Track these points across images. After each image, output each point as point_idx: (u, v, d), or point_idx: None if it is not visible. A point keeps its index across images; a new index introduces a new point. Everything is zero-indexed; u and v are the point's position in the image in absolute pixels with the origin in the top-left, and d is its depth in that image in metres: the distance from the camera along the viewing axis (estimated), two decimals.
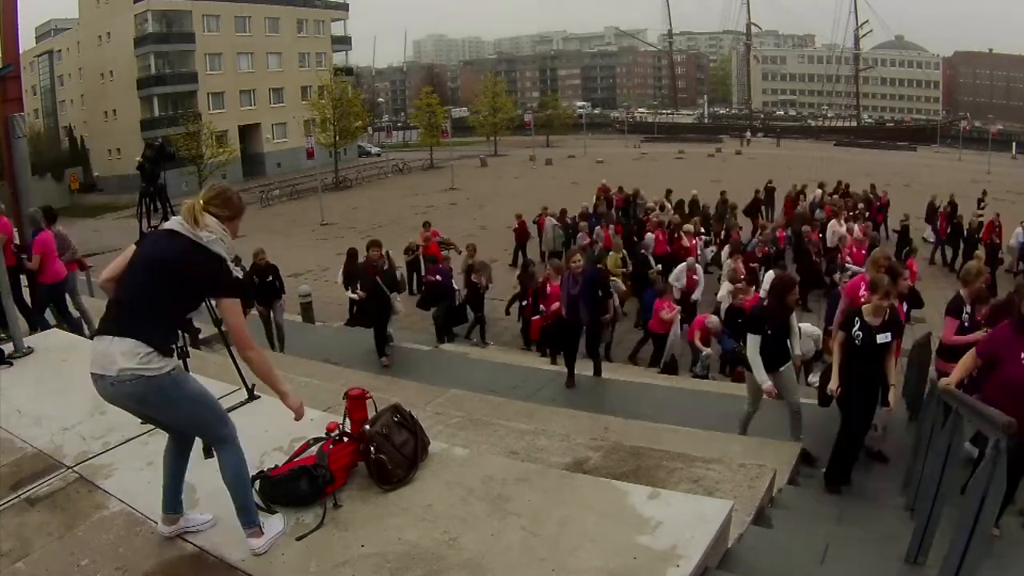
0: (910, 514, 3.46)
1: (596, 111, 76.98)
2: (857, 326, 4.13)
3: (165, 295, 2.26)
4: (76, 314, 6.52)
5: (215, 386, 3.61)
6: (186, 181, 32.75)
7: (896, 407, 4.32)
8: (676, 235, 12.22)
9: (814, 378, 6.68)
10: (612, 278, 8.51)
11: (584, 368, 7.37)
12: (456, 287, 9.87)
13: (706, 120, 69.99)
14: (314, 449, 2.82)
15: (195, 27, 40.63)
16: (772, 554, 2.85)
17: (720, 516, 2.51)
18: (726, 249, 11.19)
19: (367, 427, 2.81)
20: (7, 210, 6.56)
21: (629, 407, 5.76)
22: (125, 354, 2.14)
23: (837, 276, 9.46)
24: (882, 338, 4.10)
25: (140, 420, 3.22)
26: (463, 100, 79.68)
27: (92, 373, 2.20)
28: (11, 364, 4.25)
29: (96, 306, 8.42)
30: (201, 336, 7.07)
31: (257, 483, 2.65)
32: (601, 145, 47.75)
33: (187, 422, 2.38)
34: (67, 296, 6.40)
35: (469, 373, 7.30)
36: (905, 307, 5.53)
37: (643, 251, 11.66)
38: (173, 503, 2.47)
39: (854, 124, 63.00)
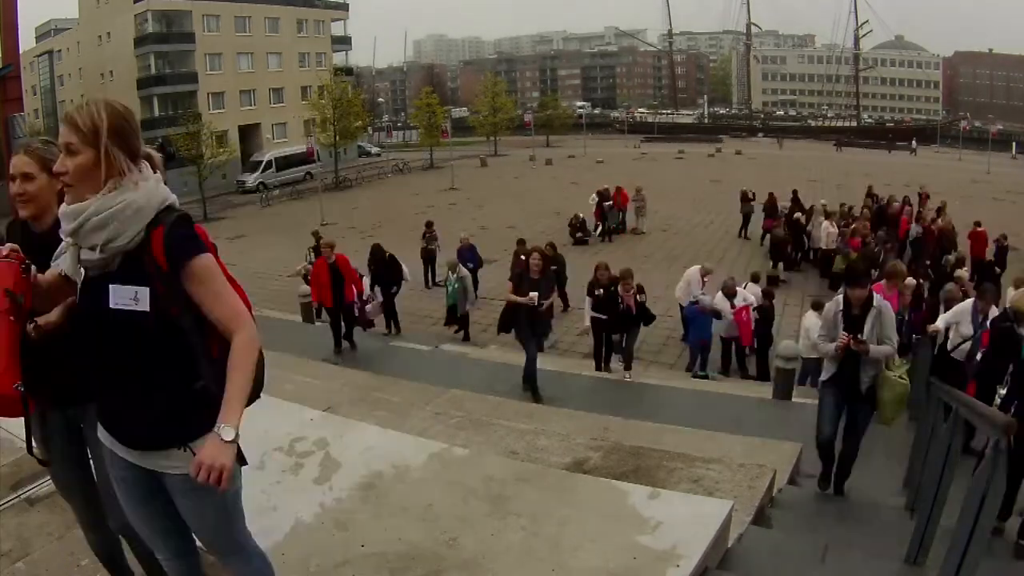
0: (910, 514, 3.46)
1: (596, 111, 77.00)
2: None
3: None
4: None
5: None
6: (186, 181, 32.80)
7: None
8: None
9: None
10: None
11: (584, 367, 7.37)
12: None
13: (706, 120, 69.99)
14: None
15: (195, 27, 40.60)
16: (772, 554, 2.86)
17: (720, 516, 2.51)
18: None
19: None
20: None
21: (629, 407, 5.77)
22: None
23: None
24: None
25: None
26: (463, 100, 79.69)
27: None
28: None
29: None
30: None
31: None
32: (601, 145, 47.74)
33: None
34: None
35: (469, 373, 7.31)
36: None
37: None
38: None
39: (854, 124, 63.05)
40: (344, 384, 5.34)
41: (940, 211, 15.38)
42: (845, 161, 39.23)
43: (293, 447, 3.06)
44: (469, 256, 13.25)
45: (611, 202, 19.13)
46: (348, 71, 49.93)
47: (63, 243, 1.62)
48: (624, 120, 64.60)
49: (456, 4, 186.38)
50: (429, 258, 14.66)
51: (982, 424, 2.57)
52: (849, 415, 4.02)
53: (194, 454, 1.48)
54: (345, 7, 50.42)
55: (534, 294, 6.71)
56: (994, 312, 5.03)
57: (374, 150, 52.36)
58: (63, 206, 1.54)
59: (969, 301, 5.57)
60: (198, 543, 1.83)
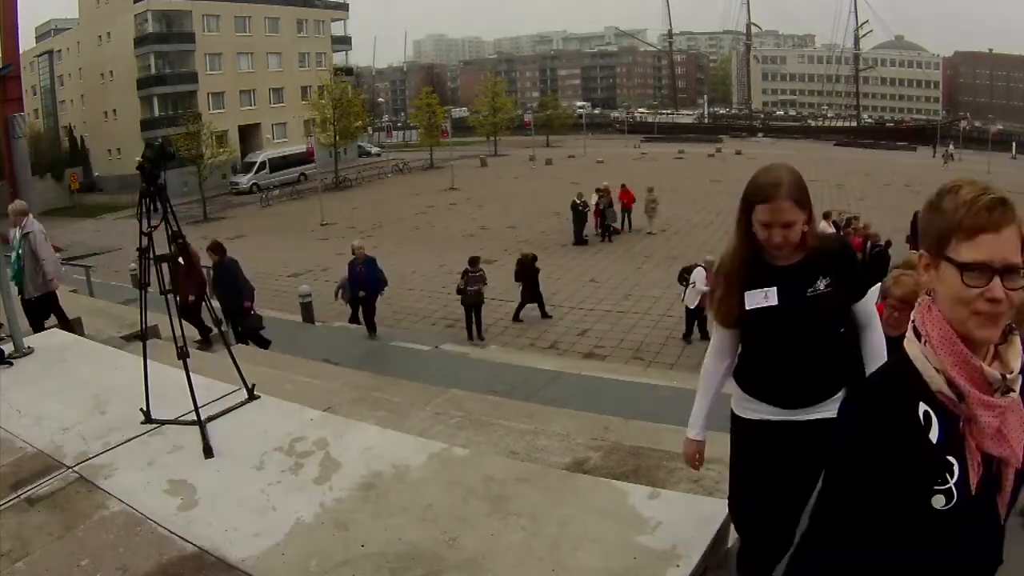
0: None
1: (596, 111, 77.02)
2: None
3: None
4: None
5: (215, 386, 3.62)
6: (186, 181, 32.81)
7: None
8: None
9: None
10: None
11: (584, 369, 7.37)
12: None
13: (706, 120, 69.99)
14: None
15: (195, 27, 40.63)
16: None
17: (720, 516, 2.51)
18: None
19: None
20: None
21: (629, 407, 5.76)
22: None
23: None
24: None
25: (140, 419, 3.23)
26: (463, 100, 79.70)
27: None
28: (11, 364, 4.25)
29: (98, 306, 8.43)
30: (199, 337, 7.08)
31: None
32: (601, 145, 47.76)
33: None
34: None
35: (469, 373, 7.31)
36: None
37: None
38: None
39: (854, 124, 63.03)
40: (344, 384, 5.33)
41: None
42: (845, 161, 39.24)
43: (293, 447, 3.06)
44: (367, 276, 10.20)
45: (607, 200, 19.11)
46: (348, 71, 49.96)
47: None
48: (624, 120, 64.62)
49: (456, 4, 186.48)
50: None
51: None
52: None
53: None
54: (345, 7, 50.46)
55: None
56: None
57: (374, 150, 52.39)
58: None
59: None
60: None
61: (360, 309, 10.57)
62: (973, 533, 1.07)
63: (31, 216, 6.07)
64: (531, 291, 11.79)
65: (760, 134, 59.04)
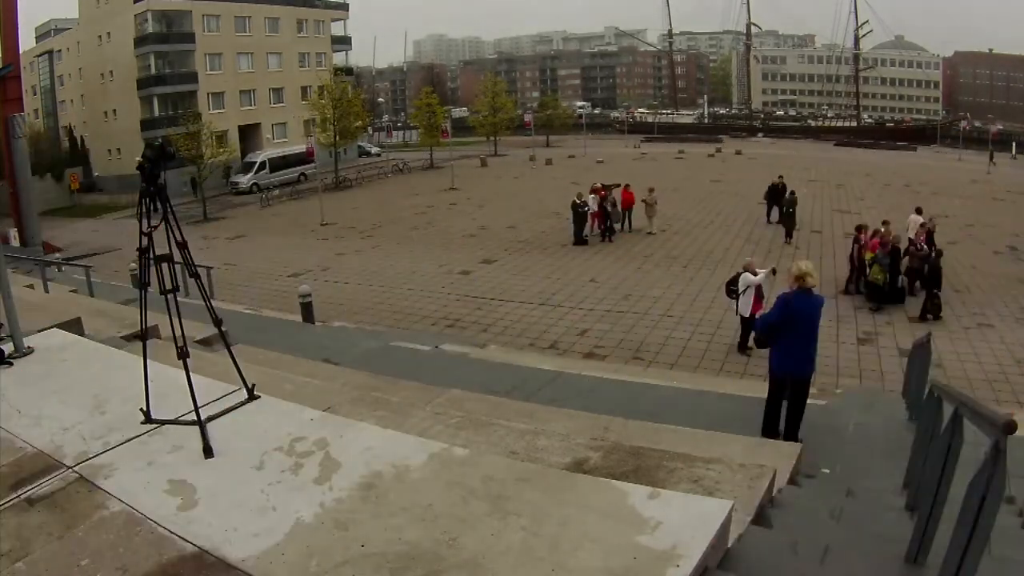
0: (910, 514, 3.46)
1: (596, 111, 77.12)
2: None
3: None
4: None
5: (215, 386, 3.62)
6: (186, 181, 32.82)
7: None
8: None
9: None
10: None
11: (583, 369, 7.36)
12: None
13: (706, 120, 70.00)
14: None
15: (195, 27, 40.61)
16: (772, 554, 2.85)
17: (720, 516, 2.51)
18: None
19: None
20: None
21: (629, 407, 5.77)
22: None
23: None
24: None
25: (140, 419, 3.23)
26: (463, 100, 79.78)
27: None
28: (11, 364, 4.25)
29: (98, 306, 8.42)
30: (201, 337, 7.07)
31: None
32: (601, 145, 47.80)
33: None
34: None
35: (469, 373, 7.31)
36: None
37: None
38: None
39: (854, 124, 63.02)
40: (344, 384, 5.33)
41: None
42: (845, 161, 39.24)
43: (293, 447, 3.06)
44: None
45: (611, 201, 19.13)
46: (348, 71, 49.96)
47: None
48: (624, 120, 64.61)
49: (456, 4, 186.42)
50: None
51: (982, 424, 2.57)
52: None
53: None
54: (345, 7, 50.44)
55: None
56: None
57: (374, 150, 52.40)
58: None
59: None
60: None
61: None
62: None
63: None
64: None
65: (760, 134, 59.02)
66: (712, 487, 3.23)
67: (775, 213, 20.00)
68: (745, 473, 3.39)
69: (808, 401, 5.45)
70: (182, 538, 2.50)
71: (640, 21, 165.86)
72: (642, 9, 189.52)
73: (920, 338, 6.21)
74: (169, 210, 3.14)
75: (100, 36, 41.63)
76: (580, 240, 18.31)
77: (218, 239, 23.85)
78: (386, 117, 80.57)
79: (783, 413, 5.39)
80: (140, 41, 39.55)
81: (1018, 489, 4.00)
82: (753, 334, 8.89)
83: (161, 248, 3.15)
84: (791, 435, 5.24)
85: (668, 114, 70.44)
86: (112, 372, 4.01)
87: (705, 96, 79.49)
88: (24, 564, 2.39)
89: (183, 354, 3.16)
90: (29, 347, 4.48)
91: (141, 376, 3.32)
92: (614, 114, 73.66)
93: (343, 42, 50.88)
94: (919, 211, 15.59)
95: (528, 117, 48.46)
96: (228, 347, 3.67)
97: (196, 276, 3.37)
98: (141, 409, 3.30)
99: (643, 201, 19.42)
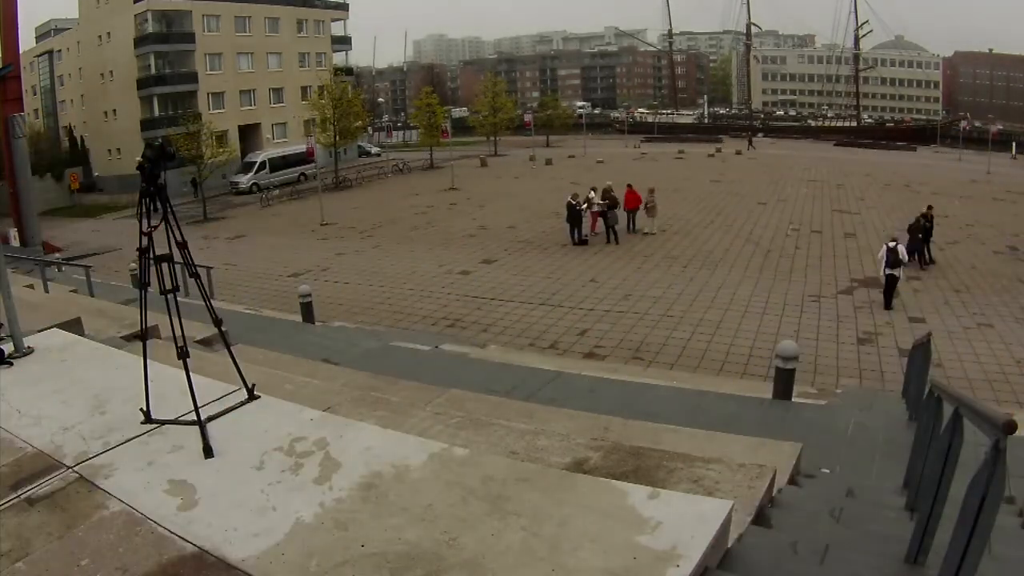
0: (910, 514, 3.46)
1: (596, 111, 77.14)
2: None
3: None
4: None
5: (215, 386, 3.62)
6: (186, 181, 32.82)
7: None
8: None
9: None
10: None
11: (583, 369, 7.37)
12: None
13: (706, 120, 70.04)
14: None
15: (195, 27, 40.60)
16: (772, 554, 2.85)
17: (720, 516, 2.51)
18: None
19: None
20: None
21: (629, 407, 5.77)
22: None
23: None
24: None
25: (140, 419, 3.23)
26: (463, 100, 79.80)
27: None
28: (11, 364, 4.25)
29: (98, 306, 8.41)
30: (201, 336, 7.07)
31: None
32: (601, 145, 47.82)
33: None
34: None
35: (469, 373, 7.31)
36: None
37: None
38: None
39: (854, 124, 63.05)
40: (344, 384, 5.33)
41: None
42: (845, 161, 39.25)
43: (293, 447, 3.06)
44: None
45: (613, 202, 19.10)
46: (348, 71, 49.97)
47: None
48: (624, 120, 64.64)
49: (456, 4, 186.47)
50: None
51: (981, 424, 2.57)
52: None
53: None
54: (345, 7, 50.43)
55: None
56: None
57: (374, 150, 52.40)
58: None
59: None
60: None
61: None
62: None
63: None
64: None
65: (760, 134, 59.02)
66: (712, 487, 3.23)
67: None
68: (745, 473, 3.39)
69: (808, 401, 5.46)
70: (182, 538, 2.50)
71: (640, 21, 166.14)
72: (642, 9, 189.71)
73: (920, 338, 6.22)
74: (169, 210, 3.14)
75: (100, 36, 41.62)
76: (579, 240, 18.31)
77: (218, 239, 23.86)
78: (386, 117, 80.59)
79: None
80: (140, 41, 39.53)
81: (1018, 489, 4.00)
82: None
83: (161, 248, 3.15)
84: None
85: (668, 114, 70.48)
86: (112, 372, 4.01)
87: (705, 96, 79.56)
88: (24, 564, 2.39)
89: (183, 354, 3.16)
90: (29, 347, 4.48)
91: (141, 376, 3.32)
92: (614, 114, 73.69)
93: (343, 42, 50.89)
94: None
95: (528, 117, 48.44)
96: (228, 347, 3.66)
97: (196, 276, 3.37)
98: (141, 409, 3.30)
99: (644, 203, 19.43)
